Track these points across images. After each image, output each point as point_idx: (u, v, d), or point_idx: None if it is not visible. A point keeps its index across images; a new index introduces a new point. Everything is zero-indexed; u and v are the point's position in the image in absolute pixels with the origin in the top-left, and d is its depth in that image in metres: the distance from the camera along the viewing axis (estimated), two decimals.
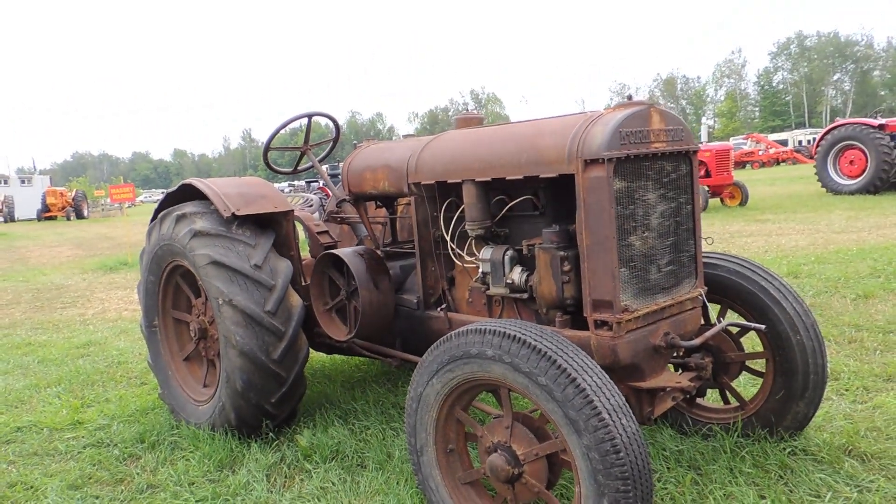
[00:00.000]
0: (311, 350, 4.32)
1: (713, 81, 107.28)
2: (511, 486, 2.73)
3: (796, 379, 3.45)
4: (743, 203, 17.30)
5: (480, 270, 3.43)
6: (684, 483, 3.20)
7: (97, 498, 3.57)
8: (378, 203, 4.44)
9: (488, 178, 3.28)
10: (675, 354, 3.67)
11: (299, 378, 4.06)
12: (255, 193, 4.19)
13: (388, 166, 3.86)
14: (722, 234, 12.54)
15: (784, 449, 3.41)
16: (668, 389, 3.16)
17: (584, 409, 2.41)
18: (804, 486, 3.11)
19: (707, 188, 16.89)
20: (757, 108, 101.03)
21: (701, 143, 26.24)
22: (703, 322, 3.39)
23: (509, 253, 3.32)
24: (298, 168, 5.21)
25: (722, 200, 17.71)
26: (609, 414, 2.41)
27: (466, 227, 3.41)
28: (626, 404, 2.48)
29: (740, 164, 48.16)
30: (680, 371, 3.65)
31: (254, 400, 3.90)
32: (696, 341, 3.10)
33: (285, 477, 3.67)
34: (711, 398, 4.03)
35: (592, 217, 2.86)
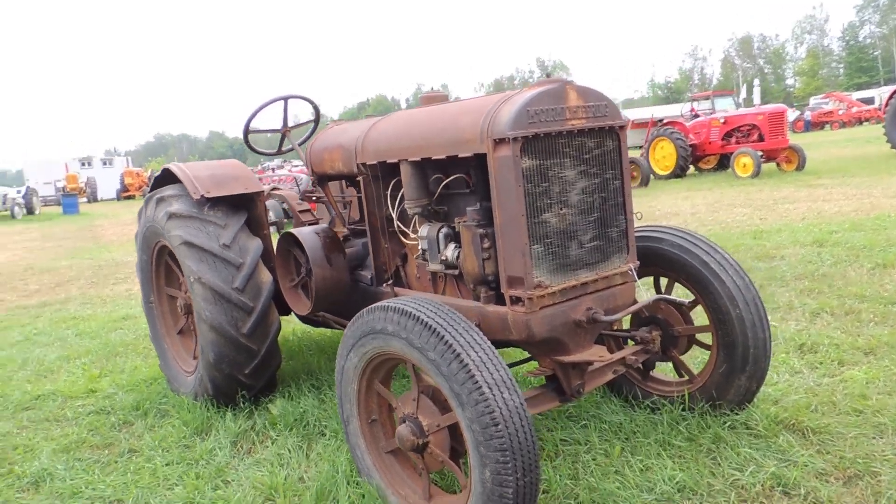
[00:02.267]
0: (309, 324, 4.48)
1: (793, 39, 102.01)
2: (420, 455, 2.87)
3: (737, 353, 3.43)
4: (800, 167, 16.60)
5: (420, 247, 3.53)
6: (613, 454, 3.25)
7: (80, 460, 3.89)
8: (347, 182, 4.58)
9: (418, 158, 3.36)
10: (611, 328, 3.72)
11: (272, 350, 4.28)
12: (226, 175, 4.40)
13: (341, 147, 3.99)
14: (765, 201, 12.13)
15: (724, 423, 3.41)
16: (596, 363, 3.21)
17: (466, 384, 2.51)
18: (731, 459, 3.12)
19: (760, 153, 16.28)
20: (841, 66, 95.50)
21: (754, 104, 25.17)
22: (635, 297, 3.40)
23: (444, 230, 3.41)
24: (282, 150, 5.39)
25: (778, 165, 17.03)
26: (490, 388, 2.50)
27: (406, 205, 3.51)
28: (511, 379, 2.56)
29: (819, 126, 45.87)
30: (630, 344, 3.68)
31: (227, 371, 4.15)
32: (617, 316, 3.13)
33: (252, 443, 3.92)
34: (667, 371, 4.02)
35: (503, 195, 2.92)
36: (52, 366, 6.10)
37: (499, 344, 3.37)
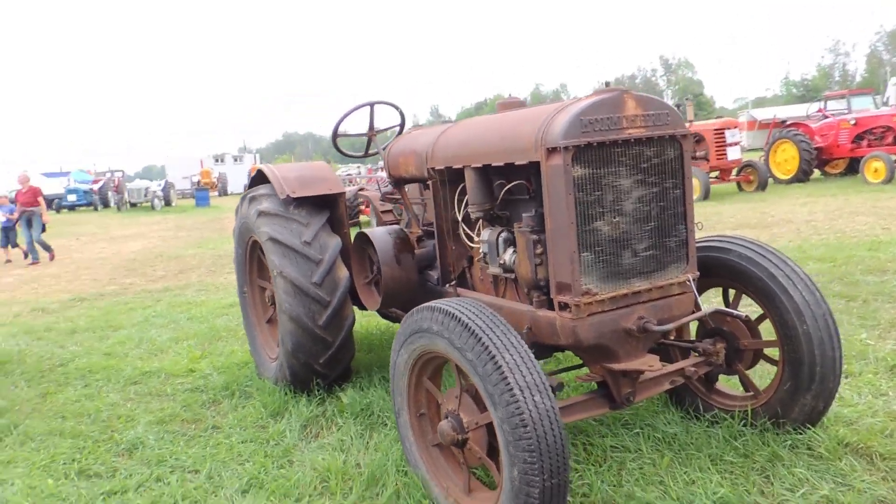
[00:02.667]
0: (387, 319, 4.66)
1: None
2: (461, 449, 2.97)
3: (803, 370, 3.29)
4: None
5: (481, 251, 3.63)
6: (661, 464, 3.22)
7: (169, 432, 4.28)
8: (423, 185, 4.73)
9: (480, 165, 3.46)
10: (667, 337, 3.66)
11: (346, 342, 4.51)
12: (312, 177, 4.67)
13: (414, 152, 4.15)
14: (893, 210, 11.25)
15: (785, 442, 3.29)
16: (647, 373, 3.19)
17: (499, 385, 2.59)
18: (784, 479, 3.02)
19: (895, 157, 15.08)
20: None
21: (889, 104, 23.20)
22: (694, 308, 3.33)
23: (504, 235, 3.48)
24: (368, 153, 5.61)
25: None
26: (521, 390, 2.56)
27: (469, 209, 3.62)
28: (544, 382, 2.61)
29: None
30: (693, 355, 3.61)
31: (303, 359, 4.42)
32: (668, 327, 3.09)
33: (320, 428, 4.16)
34: (734, 384, 3.91)
35: (553, 203, 2.97)
36: (163, 346, 6.66)
37: (551, 348, 3.42)
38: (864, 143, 16.77)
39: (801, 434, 3.32)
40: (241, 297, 5.45)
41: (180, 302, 9.04)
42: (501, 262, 3.45)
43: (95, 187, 39.64)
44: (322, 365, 4.48)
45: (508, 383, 2.57)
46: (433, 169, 3.91)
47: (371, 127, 5.36)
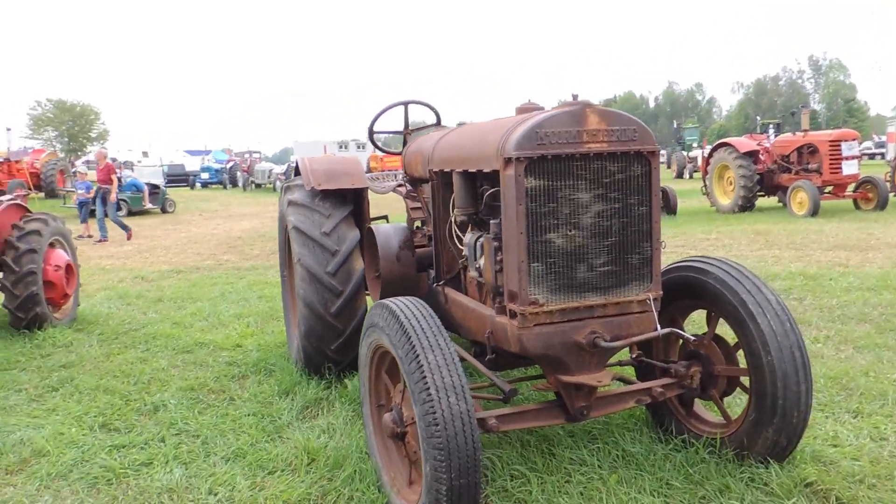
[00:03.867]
0: None
1: None
2: (402, 442, 3.13)
3: (765, 402, 3.20)
4: None
5: (464, 254, 3.76)
6: (609, 481, 3.23)
7: (191, 399, 4.70)
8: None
9: (461, 170, 3.58)
10: (641, 357, 3.64)
11: (358, 331, 4.75)
12: (339, 171, 4.94)
13: (420, 152, 4.32)
14: None
15: (742, 474, 3.21)
16: (600, 388, 3.20)
17: (419, 383, 2.74)
18: None
19: None
20: None
21: None
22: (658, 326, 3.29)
23: (482, 239, 3.59)
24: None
25: None
26: (437, 391, 2.70)
27: (454, 212, 3.75)
28: (463, 385, 2.73)
29: None
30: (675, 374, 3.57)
31: (315, 344, 4.71)
32: (617, 344, 3.11)
33: (320, 410, 4.43)
34: (715, 409, 3.81)
35: (507, 212, 3.06)
36: (226, 320, 7.21)
37: (513, 354, 3.50)
38: None
39: (762, 469, 3.22)
40: (282, 281, 5.84)
41: (259, 281, 9.67)
42: (477, 265, 3.57)
43: (227, 167, 42.46)
44: (333, 351, 4.75)
45: (426, 383, 2.71)
46: (432, 171, 4.06)
47: (406, 125, 5.56)
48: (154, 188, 23.54)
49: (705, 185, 18.35)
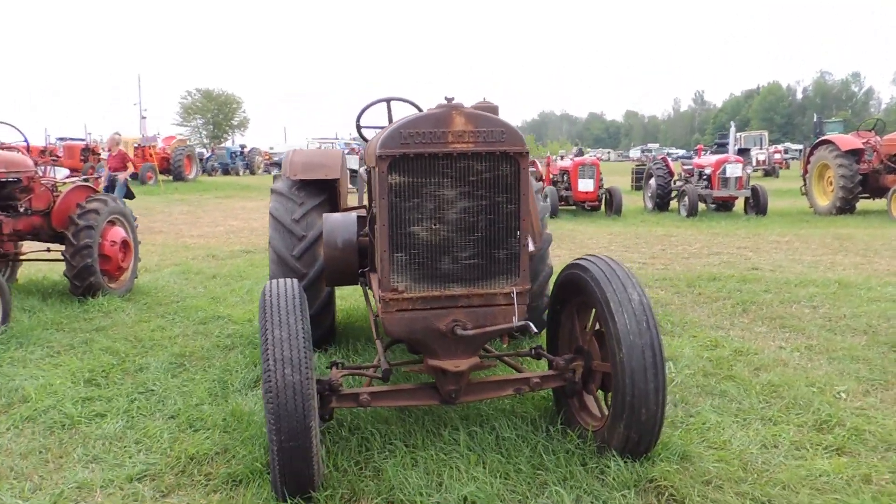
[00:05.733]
0: None
1: None
2: None
3: (618, 398, 3.28)
4: None
5: None
6: (468, 460, 3.43)
7: (173, 365, 5.26)
8: None
9: (368, 167, 3.87)
10: (496, 343, 3.77)
11: (322, 312, 5.17)
12: (316, 163, 5.34)
13: (369, 146, 4.62)
14: None
15: (591, 466, 3.31)
16: (455, 372, 3.40)
17: (263, 354, 3.08)
18: (550, 494, 3.10)
19: None
20: None
21: None
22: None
23: None
24: None
25: None
26: (275, 362, 3.03)
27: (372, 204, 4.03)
28: (302, 360, 3.03)
29: None
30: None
31: None
32: (470, 332, 3.29)
33: None
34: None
35: (377, 206, 3.33)
36: (256, 297, 7.82)
37: None
38: None
39: (612, 462, 3.29)
40: None
41: None
42: None
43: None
44: None
45: (267, 355, 3.05)
46: (368, 165, 4.36)
47: (390, 120, 5.85)
48: None
49: (804, 185, 17.33)
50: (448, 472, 3.30)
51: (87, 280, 7.39)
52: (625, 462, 3.30)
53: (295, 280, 3.44)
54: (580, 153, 18.55)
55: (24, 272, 8.90)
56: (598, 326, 3.58)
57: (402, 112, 6.15)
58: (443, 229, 3.30)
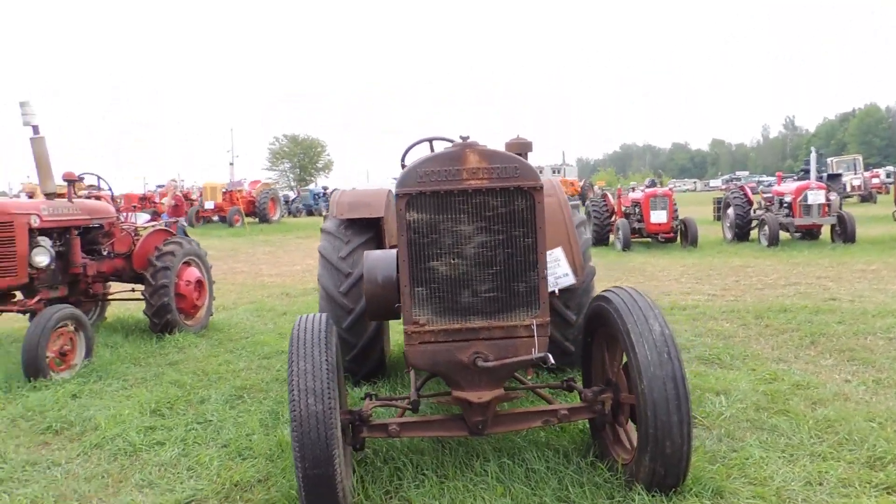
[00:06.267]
0: None
1: None
2: None
3: (641, 430, 3.25)
4: None
5: None
6: (495, 491, 3.46)
7: (235, 397, 5.51)
8: None
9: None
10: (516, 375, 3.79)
11: (370, 345, 5.32)
12: (362, 202, 5.55)
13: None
14: None
15: (621, 499, 3.27)
16: (481, 404, 3.45)
17: (290, 384, 3.24)
18: None
19: None
20: None
21: None
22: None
23: None
24: None
25: None
26: (299, 392, 3.18)
27: None
28: (325, 390, 3.17)
29: None
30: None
31: None
32: (492, 363, 3.35)
33: None
34: None
35: (398, 242, 3.47)
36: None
37: None
38: None
39: (637, 496, 3.25)
40: None
41: None
42: None
43: None
44: (349, 362, 5.35)
45: (292, 385, 3.20)
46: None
47: None
48: None
49: None
50: (472, 503, 3.34)
51: (164, 317, 7.86)
52: (651, 496, 3.25)
53: (324, 315, 3.61)
54: (653, 184, 18.22)
55: (112, 311, 9.52)
56: (626, 359, 3.56)
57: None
58: (462, 263, 3.40)
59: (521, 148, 4.93)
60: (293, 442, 3.13)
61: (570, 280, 5.06)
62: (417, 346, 3.43)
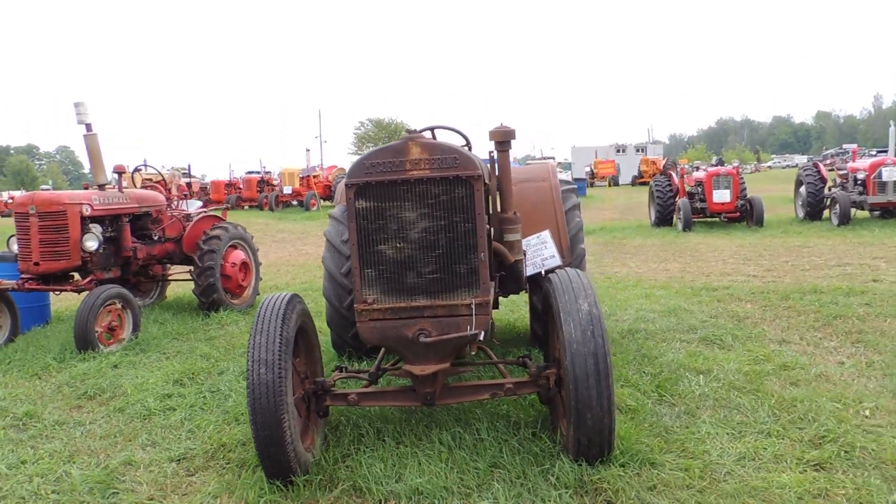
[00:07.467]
0: None
1: None
2: None
3: (567, 403, 3.45)
4: None
5: None
6: (440, 457, 3.74)
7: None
8: None
9: None
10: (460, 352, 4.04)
11: None
12: None
13: None
14: None
15: (551, 469, 3.48)
16: (421, 376, 3.73)
17: (248, 356, 3.62)
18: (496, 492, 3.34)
19: None
20: None
21: None
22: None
23: None
24: None
25: None
26: (254, 363, 3.56)
27: None
28: (276, 361, 3.52)
29: None
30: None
31: (336, 331, 5.75)
32: (430, 339, 3.62)
33: None
34: None
35: (348, 229, 3.79)
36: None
37: None
38: None
39: (559, 464, 3.45)
40: None
41: None
42: None
43: None
44: (351, 339, 5.72)
45: (249, 357, 3.58)
46: None
47: None
48: None
49: None
50: (410, 466, 3.64)
51: (210, 296, 8.50)
52: (578, 465, 3.45)
53: (287, 294, 3.96)
54: (720, 163, 17.70)
55: (172, 291, 10.32)
56: None
57: (447, 138, 6.57)
58: (407, 247, 3.68)
59: (505, 136, 5.10)
60: (248, 406, 3.52)
61: (556, 262, 5.24)
62: (367, 323, 3.74)
